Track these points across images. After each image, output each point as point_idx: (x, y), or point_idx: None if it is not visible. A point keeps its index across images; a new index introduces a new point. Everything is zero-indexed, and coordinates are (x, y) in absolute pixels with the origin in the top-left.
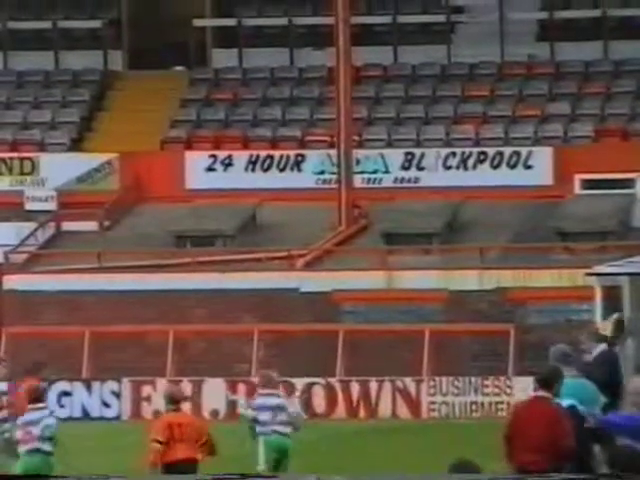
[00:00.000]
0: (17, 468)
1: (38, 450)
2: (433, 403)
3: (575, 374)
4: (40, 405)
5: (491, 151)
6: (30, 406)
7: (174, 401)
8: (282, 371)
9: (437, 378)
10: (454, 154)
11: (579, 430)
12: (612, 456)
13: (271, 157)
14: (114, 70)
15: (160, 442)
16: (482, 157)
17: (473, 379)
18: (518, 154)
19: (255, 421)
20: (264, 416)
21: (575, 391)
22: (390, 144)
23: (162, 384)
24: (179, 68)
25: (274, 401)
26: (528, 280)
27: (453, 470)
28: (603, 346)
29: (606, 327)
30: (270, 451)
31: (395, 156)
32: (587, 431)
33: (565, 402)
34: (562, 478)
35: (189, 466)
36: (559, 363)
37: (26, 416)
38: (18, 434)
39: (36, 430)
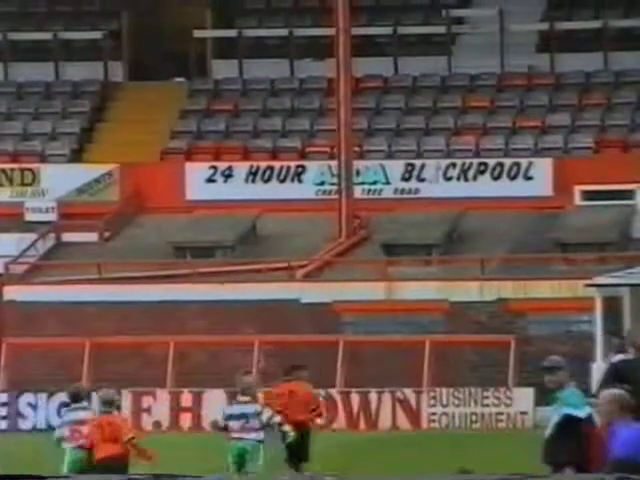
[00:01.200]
0: (65, 463)
1: (81, 447)
2: (433, 414)
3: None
4: (83, 405)
5: (491, 162)
6: (73, 405)
7: (108, 404)
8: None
9: (437, 389)
10: (454, 165)
11: (579, 436)
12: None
13: (271, 168)
14: (114, 81)
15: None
16: (482, 168)
17: (473, 390)
18: (518, 165)
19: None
20: (235, 424)
21: (571, 400)
22: (390, 155)
23: (163, 395)
24: (179, 79)
25: (250, 409)
26: (528, 291)
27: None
28: (621, 356)
29: None
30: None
31: (395, 167)
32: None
33: (563, 411)
34: (564, 478)
35: (121, 463)
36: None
37: (72, 415)
38: (65, 432)
39: (84, 429)
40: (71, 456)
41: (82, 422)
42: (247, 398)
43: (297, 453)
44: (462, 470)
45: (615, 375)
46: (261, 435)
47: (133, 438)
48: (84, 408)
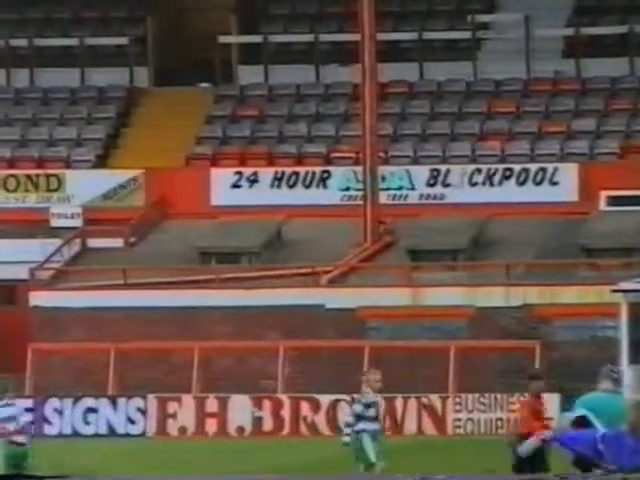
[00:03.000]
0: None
1: (13, 442)
2: (459, 420)
3: (609, 389)
4: (6, 402)
5: (517, 167)
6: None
7: None
8: (307, 387)
9: (463, 395)
10: (480, 170)
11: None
12: None
13: (296, 173)
14: (140, 87)
15: None
16: (508, 173)
17: (499, 396)
18: (544, 170)
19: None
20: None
21: (595, 404)
22: (415, 160)
23: (188, 400)
24: (204, 85)
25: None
26: (554, 297)
27: None
28: None
29: None
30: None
31: (420, 172)
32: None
33: (576, 413)
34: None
35: None
36: (605, 379)
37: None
38: None
39: (12, 425)
40: (5, 450)
41: (9, 419)
42: (368, 390)
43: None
44: (488, 470)
45: None
46: (365, 426)
47: None
48: (9, 405)
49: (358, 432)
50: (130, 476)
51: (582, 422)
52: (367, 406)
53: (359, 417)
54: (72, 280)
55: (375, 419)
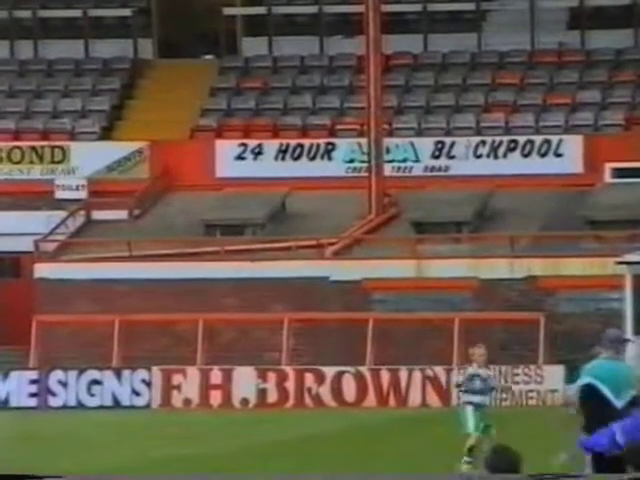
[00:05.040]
0: None
1: None
2: None
3: (612, 356)
4: None
5: (521, 139)
6: None
7: None
8: (312, 359)
9: (467, 366)
10: (484, 143)
11: (595, 408)
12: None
13: (301, 146)
14: (144, 59)
15: None
16: (512, 145)
17: (503, 368)
18: (548, 142)
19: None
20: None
21: (600, 372)
22: (420, 133)
23: (193, 372)
24: (209, 57)
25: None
26: (558, 268)
27: (493, 454)
28: None
29: None
30: None
31: (425, 145)
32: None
33: (582, 381)
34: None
35: None
36: (606, 347)
37: None
38: None
39: None
40: None
41: None
42: (475, 365)
43: None
44: (500, 445)
45: None
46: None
47: None
48: None
49: (465, 403)
50: (130, 476)
51: (589, 391)
52: (470, 378)
53: (460, 387)
54: (77, 252)
55: (480, 392)
